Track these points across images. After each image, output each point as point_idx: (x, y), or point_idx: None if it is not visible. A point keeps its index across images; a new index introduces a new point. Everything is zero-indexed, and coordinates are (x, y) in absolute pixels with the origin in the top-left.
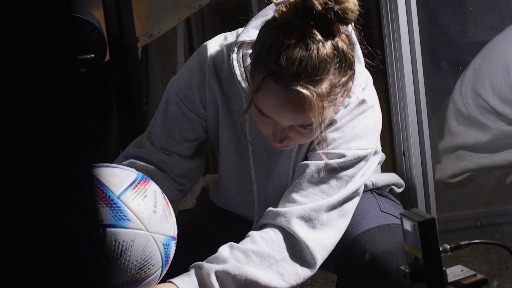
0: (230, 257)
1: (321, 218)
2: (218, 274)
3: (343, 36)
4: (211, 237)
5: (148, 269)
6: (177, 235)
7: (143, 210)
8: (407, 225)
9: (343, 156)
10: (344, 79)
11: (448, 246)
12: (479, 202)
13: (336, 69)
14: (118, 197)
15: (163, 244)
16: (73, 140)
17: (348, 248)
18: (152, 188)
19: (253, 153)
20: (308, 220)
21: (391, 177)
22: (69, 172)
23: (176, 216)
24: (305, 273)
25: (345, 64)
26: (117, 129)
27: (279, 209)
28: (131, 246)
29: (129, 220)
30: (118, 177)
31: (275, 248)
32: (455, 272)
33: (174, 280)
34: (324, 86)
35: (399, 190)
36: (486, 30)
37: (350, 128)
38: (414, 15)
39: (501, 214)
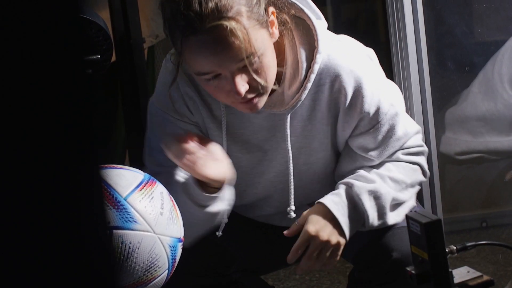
0: (376, 177)
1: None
2: (369, 193)
3: None
4: (217, 239)
5: (155, 271)
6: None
7: (150, 212)
8: (413, 226)
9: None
10: None
11: (454, 247)
12: (485, 203)
13: None
14: (125, 199)
15: (170, 246)
16: (81, 141)
17: (373, 244)
18: (159, 189)
19: (247, 150)
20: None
21: None
22: (77, 173)
23: None
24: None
25: None
26: (124, 130)
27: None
28: (138, 248)
29: (135, 222)
30: (125, 179)
31: (407, 173)
32: (461, 274)
33: (324, 200)
34: (234, 9)
35: None
36: (493, 31)
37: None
38: (420, 16)
39: (507, 215)
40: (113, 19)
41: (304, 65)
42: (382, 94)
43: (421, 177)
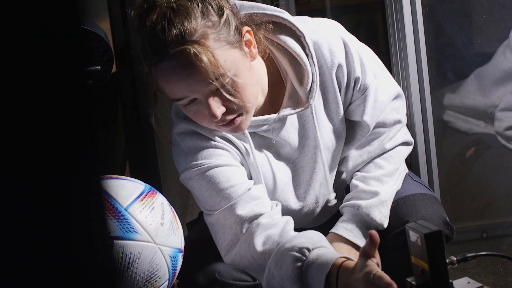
0: (375, 186)
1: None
2: (377, 208)
3: None
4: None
5: (155, 281)
6: (185, 247)
7: (150, 222)
8: (414, 237)
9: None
10: (220, 19)
11: (455, 258)
12: (485, 214)
13: (202, 13)
14: (126, 209)
15: (170, 256)
16: (81, 152)
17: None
18: (160, 200)
19: (285, 164)
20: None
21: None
22: (77, 184)
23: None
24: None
25: (212, 6)
26: (124, 141)
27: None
28: (138, 259)
29: (136, 232)
30: (125, 189)
31: (396, 160)
32: (461, 284)
33: (338, 231)
34: (199, 32)
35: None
36: (492, 42)
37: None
38: (420, 27)
39: (507, 225)
40: (114, 30)
41: (303, 55)
42: (362, 56)
43: (408, 151)
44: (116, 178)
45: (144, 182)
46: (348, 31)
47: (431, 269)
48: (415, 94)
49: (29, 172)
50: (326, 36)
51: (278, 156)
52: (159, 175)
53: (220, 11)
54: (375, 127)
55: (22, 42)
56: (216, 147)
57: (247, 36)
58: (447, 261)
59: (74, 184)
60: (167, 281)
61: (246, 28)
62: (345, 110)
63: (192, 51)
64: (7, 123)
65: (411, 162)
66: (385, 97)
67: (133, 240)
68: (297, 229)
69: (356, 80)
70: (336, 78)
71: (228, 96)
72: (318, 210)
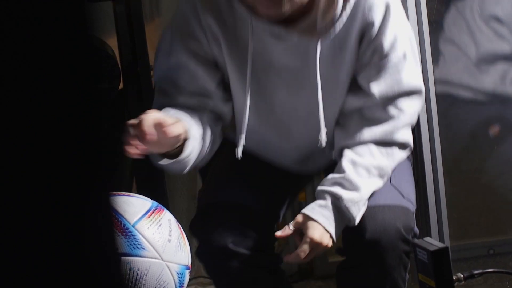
0: (362, 181)
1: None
2: (357, 204)
3: None
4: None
5: None
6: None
7: (158, 238)
8: (421, 254)
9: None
10: None
11: (462, 275)
12: (492, 230)
13: None
14: (133, 226)
15: (178, 273)
16: (90, 169)
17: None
18: (167, 217)
19: (273, 78)
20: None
21: None
22: (86, 200)
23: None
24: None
25: None
26: (131, 157)
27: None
28: (146, 275)
29: (144, 248)
30: (133, 206)
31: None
32: None
33: (314, 216)
34: None
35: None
36: (499, 58)
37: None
38: (427, 42)
39: None
40: (121, 47)
41: None
42: (400, 33)
43: (406, 155)
44: (123, 195)
45: (151, 199)
46: None
47: (438, 286)
48: (422, 110)
49: (38, 190)
50: None
51: (275, 70)
52: (166, 192)
53: None
54: (388, 104)
55: (32, 59)
56: (200, 37)
57: None
58: (454, 278)
59: (83, 201)
60: None
61: None
62: (357, 71)
63: None
64: (15, 140)
65: (418, 178)
66: (405, 78)
67: (140, 256)
68: (278, 169)
69: (379, 46)
70: (363, 34)
71: None
72: (303, 149)
